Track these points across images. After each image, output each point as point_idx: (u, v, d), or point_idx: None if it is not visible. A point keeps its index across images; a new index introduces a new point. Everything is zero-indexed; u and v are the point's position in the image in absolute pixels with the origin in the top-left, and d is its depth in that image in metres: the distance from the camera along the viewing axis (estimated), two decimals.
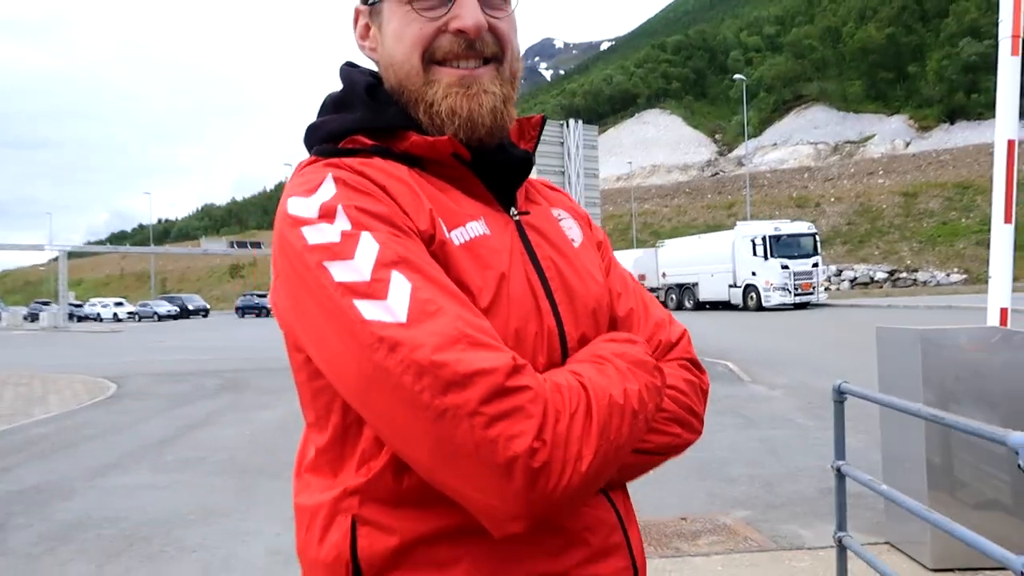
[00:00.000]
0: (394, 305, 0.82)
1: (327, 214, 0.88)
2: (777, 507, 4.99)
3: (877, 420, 4.24)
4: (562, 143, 14.94)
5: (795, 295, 29.14)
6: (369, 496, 0.92)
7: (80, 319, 56.44)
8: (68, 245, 52.70)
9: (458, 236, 0.96)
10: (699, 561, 3.99)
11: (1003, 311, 4.35)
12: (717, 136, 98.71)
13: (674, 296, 35.45)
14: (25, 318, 58.85)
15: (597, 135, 15.98)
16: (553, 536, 0.94)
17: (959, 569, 3.68)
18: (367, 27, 1.07)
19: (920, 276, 42.63)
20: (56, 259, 59.82)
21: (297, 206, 0.91)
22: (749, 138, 70.75)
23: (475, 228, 0.98)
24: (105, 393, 12.46)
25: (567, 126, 15.05)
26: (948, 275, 41.61)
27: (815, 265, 29.82)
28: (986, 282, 4.63)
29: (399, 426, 0.81)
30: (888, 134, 75.87)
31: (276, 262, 0.93)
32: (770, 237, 29.51)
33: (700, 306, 33.56)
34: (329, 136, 1.03)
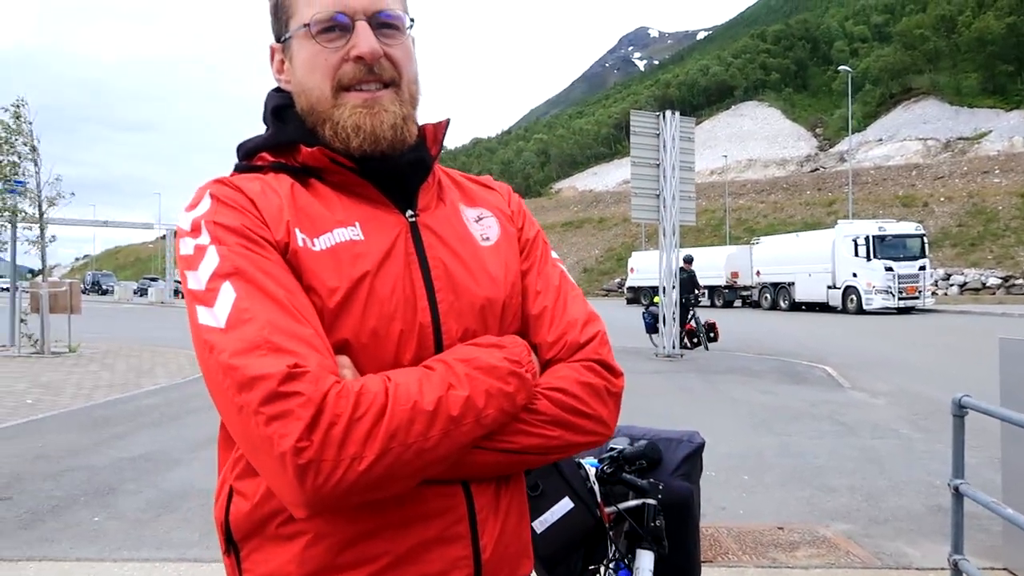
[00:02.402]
0: (218, 312, 0.96)
1: (195, 228, 1.05)
2: (881, 522, 4.74)
3: (988, 434, 3.98)
4: (657, 135, 14.66)
5: (899, 299, 27.79)
6: (244, 471, 1.08)
7: None
8: (175, 225, 55.21)
9: (323, 242, 1.07)
10: (797, 573, 3.83)
11: None
12: (818, 130, 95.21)
13: (768, 295, 34.42)
14: (135, 292, 62.39)
15: (694, 127, 15.59)
16: (393, 518, 1.03)
17: None
18: (282, 62, 1.20)
19: None
20: (164, 237, 62.90)
21: (181, 219, 1.10)
22: (853, 132, 67.80)
23: (343, 234, 1.08)
24: None
25: (663, 117, 14.75)
26: None
27: (922, 268, 28.40)
28: None
29: (224, 415, 0.97)
30: (1005, 130, 71.33)
31: None
32: (874, 237, 28.25)
33: (796, 307, 32.51)
34: (246, 154, 1.19)
